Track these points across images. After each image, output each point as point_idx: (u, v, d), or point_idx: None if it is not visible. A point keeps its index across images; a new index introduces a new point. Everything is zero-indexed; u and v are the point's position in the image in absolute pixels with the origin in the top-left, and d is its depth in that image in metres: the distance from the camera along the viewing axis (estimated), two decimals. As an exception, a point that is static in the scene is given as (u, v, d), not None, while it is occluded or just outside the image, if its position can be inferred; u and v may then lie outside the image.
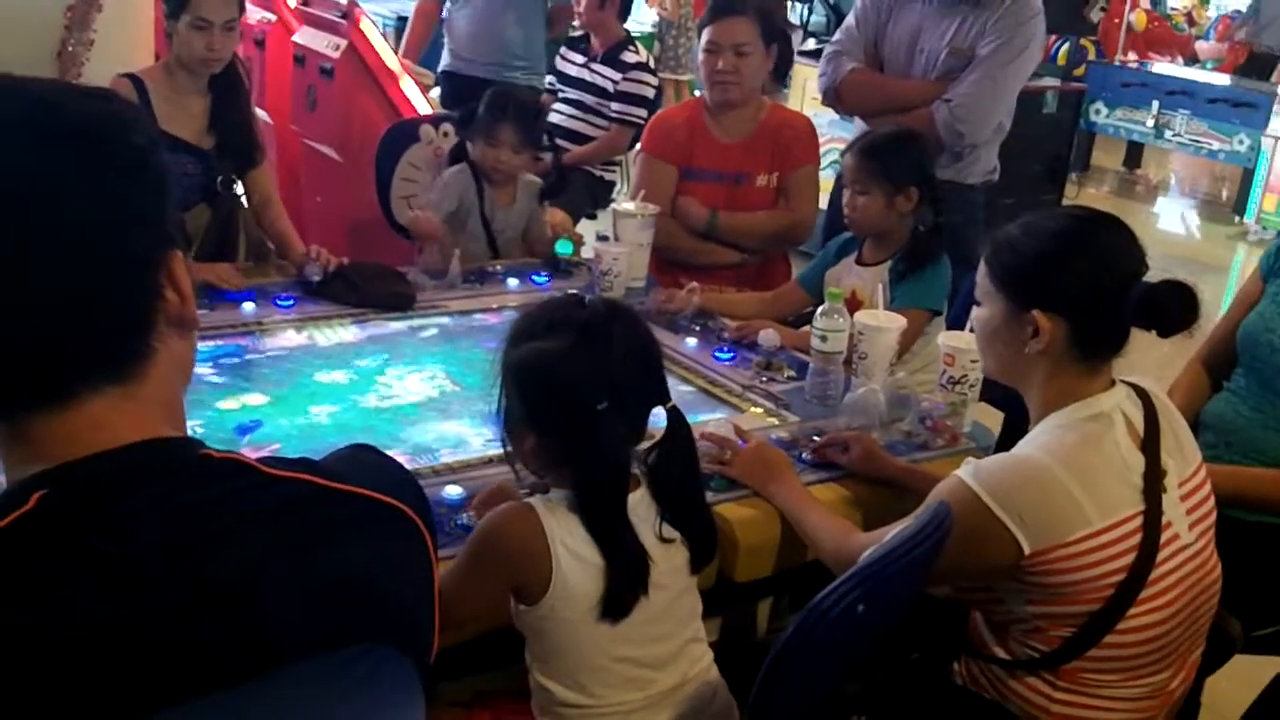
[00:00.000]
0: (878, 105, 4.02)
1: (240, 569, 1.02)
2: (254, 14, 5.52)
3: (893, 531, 1.92)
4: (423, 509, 1.20)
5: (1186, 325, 2.02)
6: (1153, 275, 2.04)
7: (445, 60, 5.59)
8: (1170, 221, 9.99)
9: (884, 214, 3.13)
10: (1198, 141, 9.70)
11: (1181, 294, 2.01)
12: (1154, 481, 1.99)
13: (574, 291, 2.18)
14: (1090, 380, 2.06)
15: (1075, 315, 2.03)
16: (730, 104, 3.72)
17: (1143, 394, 2.09)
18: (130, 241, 1.06)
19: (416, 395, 2.72)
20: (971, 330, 2.30)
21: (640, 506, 1.88)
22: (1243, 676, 2.32)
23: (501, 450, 1.96)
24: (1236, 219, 9.35)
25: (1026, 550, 1.93)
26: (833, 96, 4.14)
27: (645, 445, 1.93)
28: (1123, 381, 2.10)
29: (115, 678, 0.95)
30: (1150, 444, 2.03)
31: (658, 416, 1.92)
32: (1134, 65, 10.74)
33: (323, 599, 1.06)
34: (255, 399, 2.59)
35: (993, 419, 3.06)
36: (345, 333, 3.04)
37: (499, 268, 3.50)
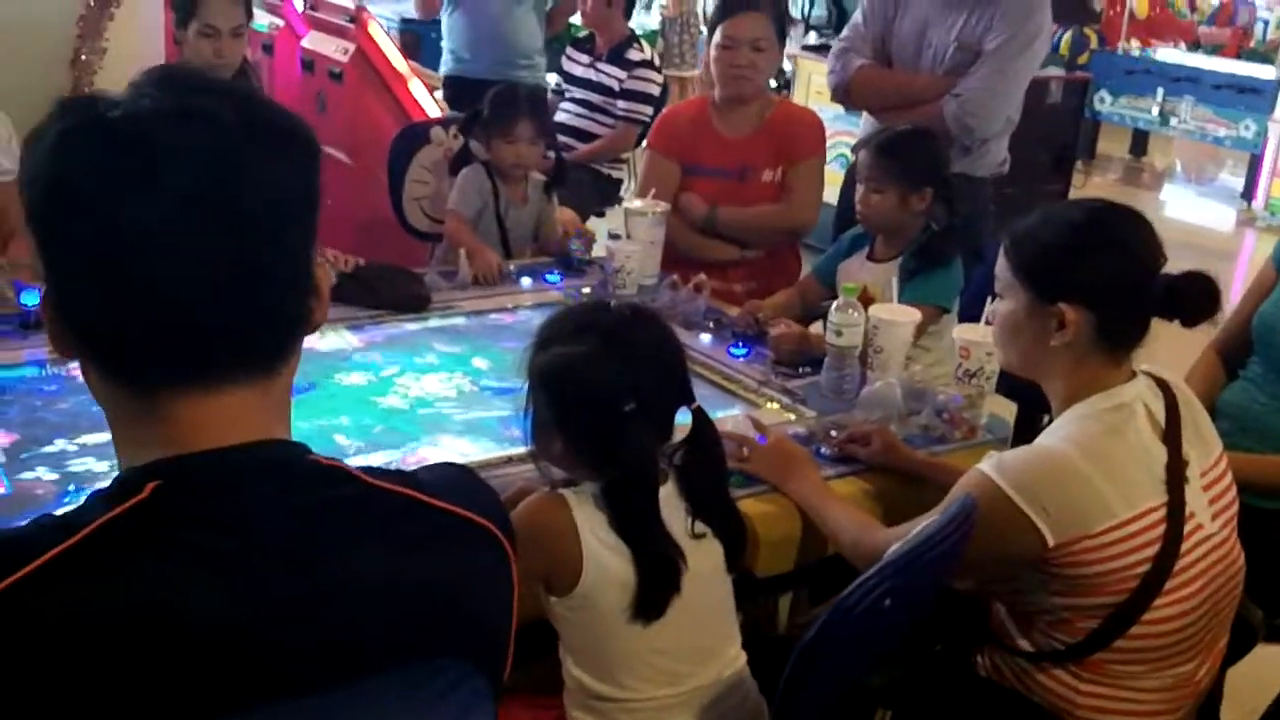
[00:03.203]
0: (888, 101, 4.02)
1: (341, 575, 1.04)
2: (262, 20, 5.54)
3: (916, 526, 1.93)
4: (509, 531, 1.21)
5: (1209, 315, 2.04)
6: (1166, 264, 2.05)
7: (447, 64, 5.59)
8: (1177, 209, 9.98)
9: (897, 212, 3.13)
10: (1203, 128, 9.69)
11: (1204, 285, 2.02)
12: (1176, 472, 2.00)
13: (598, 296, 2.19)
14: (1112, 371, 2.06)
15: (1101, 307, 2.03)
16: (744, 99, 3.72)
17: (1163, 384, 2.10)
18: (304, 232, 1.10)
19: (434, 395, 2.73)
20: (988, 323, 2.30)
21: (670, 502, 1.89)
22: (1265, 665, 2.33)
23: (525, 450, 1.97)
24: (1244, 205, 9.34)
25: (1051, 542, 1.94)
26: (842, 93, 4.13)
27: (671, 445, 1.94)
28: (1143, 372, 2.11)
29: (215, 670, 0.97)
30: (1172, 434, 2.03)
31: (683, 417, 1.94)
32: (1137, 53, 10.73)
33: (413, 610, 1.08)
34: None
35: (1007, 410, 3.07)
36: (362, 335, 3.05)
37: (512, 267, 3.50)
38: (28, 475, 2.20)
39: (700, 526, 1.90)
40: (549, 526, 1.83)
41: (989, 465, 2.00)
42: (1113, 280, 2.03)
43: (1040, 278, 2.06)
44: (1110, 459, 1.97)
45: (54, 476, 2.19)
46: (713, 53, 3.71)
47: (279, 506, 1.04)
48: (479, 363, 2.90)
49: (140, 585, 0.97)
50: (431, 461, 1.34)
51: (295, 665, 1.01)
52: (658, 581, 1.83)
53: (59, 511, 1.03)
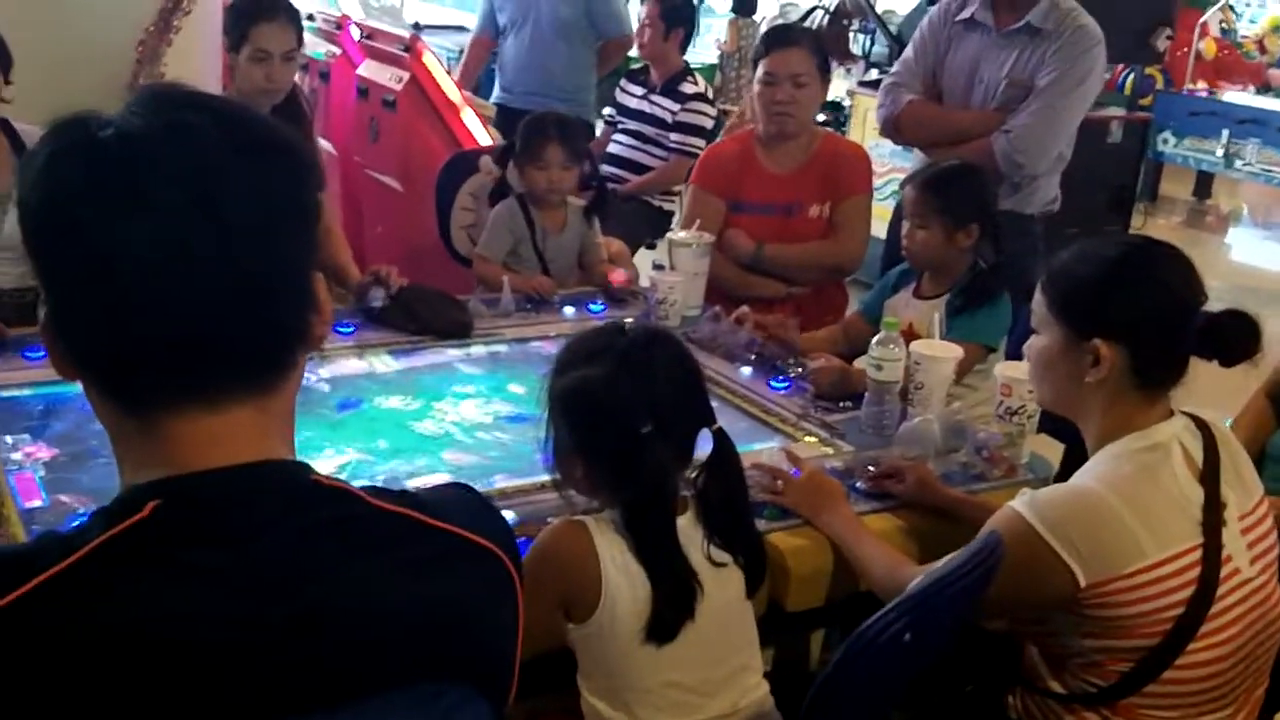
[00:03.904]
0: (936, 136, 4.00)
1: (341, 596, 1.04)
2: (320, 48, 5.61)
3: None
4: (514, 554, 1.20)
5: (1249, 355, 2.00)
6: (1226, 306, 2.01)
7: (496, 93, 5.67)
8: (1243, 252, 9.86)
9: (943, 248, 3.10)
10: (1269, 170, 9.56)
11: (1244, 323, 1.99)
12: (1213, 514, 1.96)
13: (614, 320, 2.20)
14: (1148, 410, 2.03)
15: (1136, 343, 2.00)
16: (786, 135, 3.72)
17: (1202, 425, 2.06)
18: (301, 247, 1.10)
19: (472, 422, 2.73)
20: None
21: (689, 530, 1.88)
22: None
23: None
24: (1312, 248, 9.21)
25: (1082, 582, 1.91)
26: (891, 127, 4.12)
27: (693, 471, 1.93)
28: (1182, 412, 2.07)
29: (212, 690, 0.97)
30: (1210, 476, 2.00)
31: (705, 442, 1.93)
32: (1203, 94, 10.62)
33: (414, 632, 1.07)
34: (314, 425, 2.61)
35: (1052, 450, 3.02)
36: (403, 359, 3.07)
37: (556, 297, 3.51)
38: (66, 490, 2.22)
39: (720, 555, 1.89)
40: (569, 551, 1.84)
41: (1021, 503, 1.97)
42: (1148, 317, 2.00)
43: (1075, 313, 2.04)
44: (1144, 500, 1.94)
45: (91, 492, 2.22)
46: (755, 88, 3.71)
47: (279, 526, 1.04)
48: (517, 389, 2.90)
49: (138, 604, 0.97)
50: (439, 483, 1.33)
51: (293, 686, 1.00)
52: (672, 604, 1.83)
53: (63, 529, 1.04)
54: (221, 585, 0.99)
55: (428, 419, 2.73)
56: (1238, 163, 9.72)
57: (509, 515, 2.13)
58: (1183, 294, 2.02)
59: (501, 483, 2.38)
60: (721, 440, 1.93)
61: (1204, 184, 10.93)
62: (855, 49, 9.11)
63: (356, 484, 1.13)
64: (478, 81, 6.25)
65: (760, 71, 3.68)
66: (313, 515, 1.07)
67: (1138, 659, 1.94)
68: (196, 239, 1.01)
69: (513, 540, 1.22)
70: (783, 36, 3.72)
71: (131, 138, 1.03)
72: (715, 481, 1.92)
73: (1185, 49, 11.15)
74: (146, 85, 1.13)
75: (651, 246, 5.41)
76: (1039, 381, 2.17)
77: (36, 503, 2.17)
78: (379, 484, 1.20)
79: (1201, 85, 11.19)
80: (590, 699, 1.90)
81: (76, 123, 1.05)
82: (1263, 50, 13.34)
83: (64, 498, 2.18)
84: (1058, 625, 2.01)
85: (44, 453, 2.38)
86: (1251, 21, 13.23)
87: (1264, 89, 12.36)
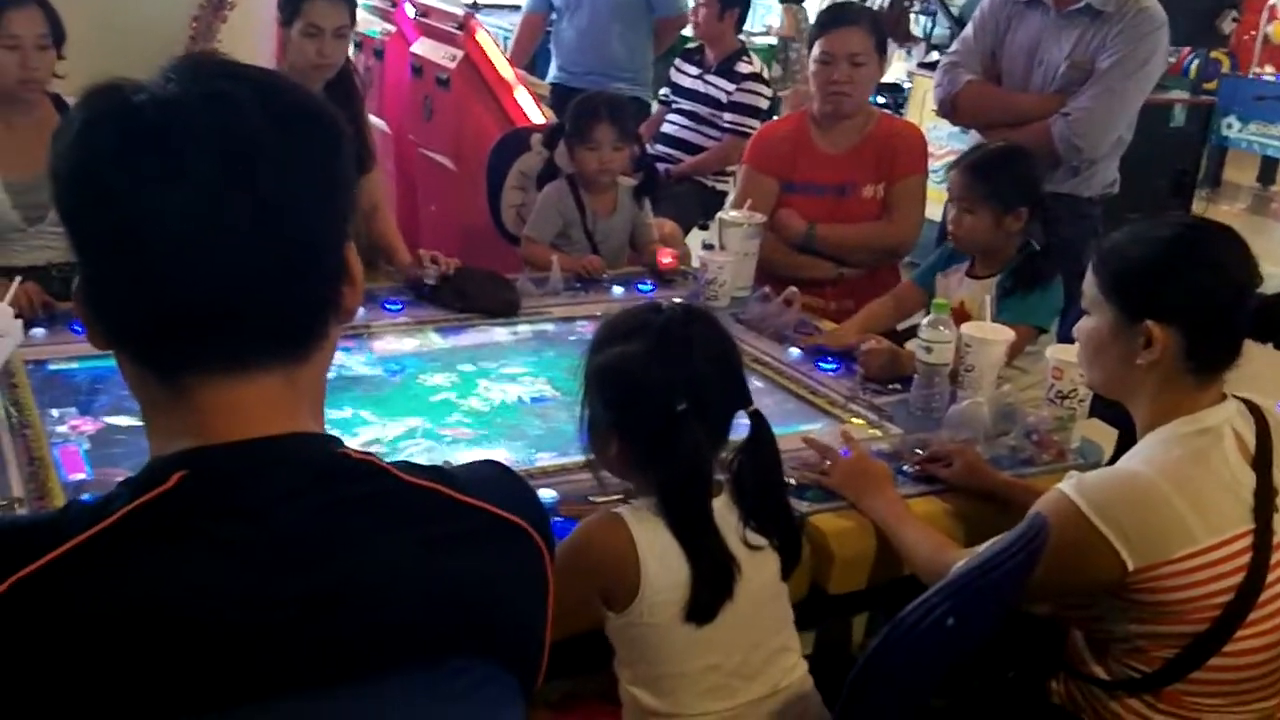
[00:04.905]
0: (994, 118, 3.96)
1: (367, 571, 1.03)
2: (375, 26, 5.62)
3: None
4: (545, 530, 1.18)
5: None
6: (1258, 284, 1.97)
7: (553, 72, 5.67)
8: (1307, 239, 9.68)
9: (991, 233, 3.05)
10: (1336, 157, 9.40)
11: None
12: (1265, 499, 1.92)
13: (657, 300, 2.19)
14: (1200, 394, 1.99)
15: (1189, 326, 1.97)
16: (843, 115, 3.68)
17: (1255, 409, 2.02)
18: (334, 217, 1.09)
19: (516, 400, 2.74)
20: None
21: (724, 513, 1.86)
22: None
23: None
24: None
25: (1130, 566, 1.88)
26: (948, 108, 4.08)
27: (728, 453, 1.92)
28: (1235, 396, 2.03)
29: (235, 662, 0.96)
30: (1262, 461, 1.96)
31: (742, 425, 1.91)
32: (1270, 78, 10.44)
33: (440, 608, 1.06)
34: (359, 401, 2.62)
35: (1105, 435, 2.98)
36: (451, 337, 3.07)
37: (605, 276, 3.50)
38: (110, 464, 2.23)
39: (755, 538, 1.87)
40: (606, 546, 1.82)
41: (1069, 486, 1.94)
42: (1202, 299, 1.96)
43: (1127, 294, 2.00)
44: (1194, 484, 1.90)
45: (135, 467, 2.22)
46: (811, 68, 3.67)
47: (305, 499, 1.03)
48: (562, 368, 2.89)
49: (160, 576, 0.97)
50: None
51: (318, 660, 0.99)
52: (711, 584, 1.81)
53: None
54: (244, 559, 0.99)
55: (472, 396, 2.73)
56: (1304, 149, 9.56)
57: (549, 494, 2.13)
58: (1237, 276, 1.98)
59: (543, 461, 2.38)
60: (758, 423, 1.91)
61: (1269, 170, 10.74)
62: (916, 30, 9.04)
63: (389, 459, 1.12)
64: (531, 60, 6.24)
65: (817, 51, 3.63)
66: (339, 489, 1.06)
67: (1184, 646, 1.91)
68: (230, 209, 1.00)
69: (545, 517, 1.21)
70: (840, 15, 3.67)
71: (167, 105, 1.02)
72: (751, 464, 1.90)
73: (1252, 32, 10.96)
74: (184, 55, 1.10)
75: (704, 227, 5.39)
76: (1089, 364, 2.14)
77: (80, 476, 2.18)
78: (414, 460, 1.19)
79: (1269, 69, 11.00)
80: (630, 688, 1.88)
81: (110, 89, 1.04)
82: (1332, 34, 13.10)
83: (108, 471, 2.18)
84: (1103, 610, 1.98)
85: (90, 426, 2.40)
86: (1321, 4, 12.97)
87: (1334, 73, 12.14)
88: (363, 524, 1.05)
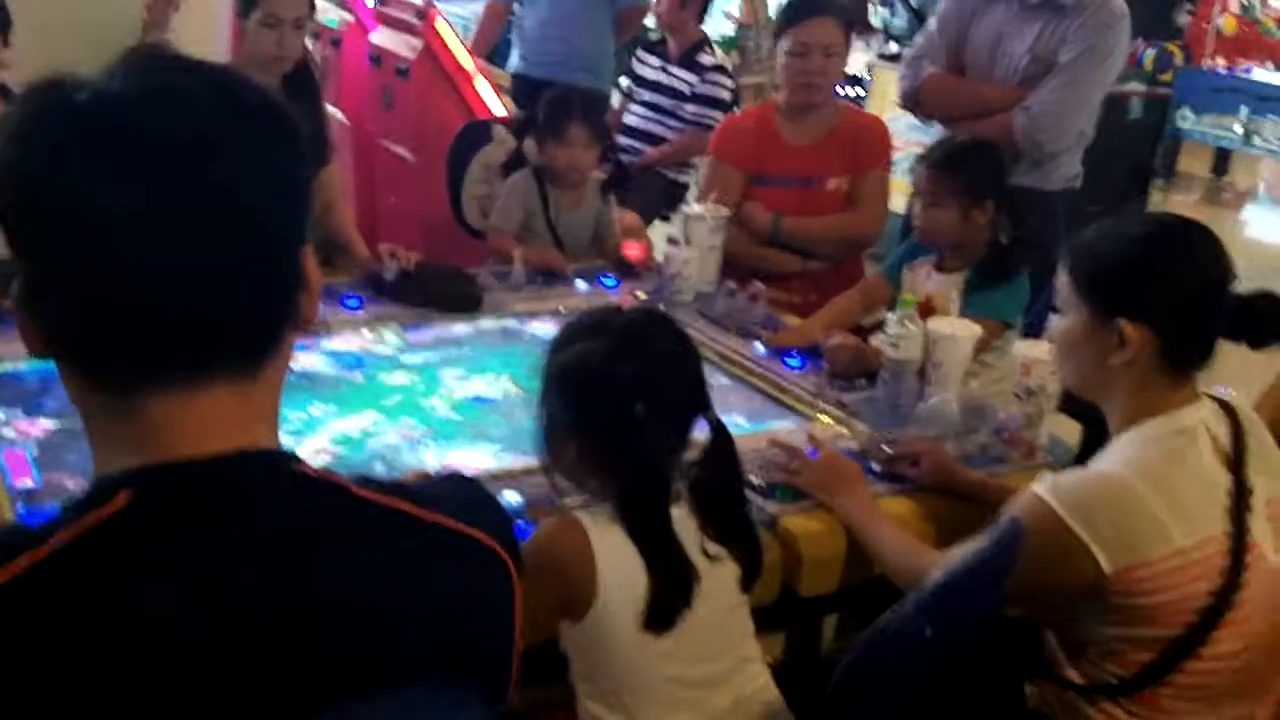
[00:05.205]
0: (957, 110, 3.93)
1: (326, 592, 0.98)
2: (333, 15, 5.54)
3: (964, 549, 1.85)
4: (511, 546, 1.14)
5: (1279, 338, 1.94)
6: (1242, 284, 1.96)
7: (514, 62, 5.59)
8: (1260, 229, 9.76)
9: (958, 227, 3.03)
10: (1288, 148, 9.47)
11: (1275, 305, 1.93)
12: (1240, 500, 1.91)
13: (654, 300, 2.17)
14: (1174, 394, 1.98)
15: (1164, 325, 1.95)
16: (814, 105, 3.64)
17: (1229, 409, 2.01)
18: (290, 221, 1.03)
19: (479, 397, 2.69)
20: (1051, 340, 2.22)
21: (683, 521, 1.84)
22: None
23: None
24: (1330, 227, 9.12)
25: (1107, 569, 1.86)
26: (912, 100, 4.06)
27: (687, 460, 1.89)
28: (1208, 396, 2.02)
29: (194, 692, 0.92)
30: (1237, 461, 1.95)
31: (702, 430, 1.89)
32: (1222, 70, 10.51)
33: (404, 629, 1.02)
34: (318, 399, 2.57)
35: (1070, 431, 2.97)
36: (411, 334, 3.02)
37: (568, 270, 3.45)
38: (59, 469, 2.16)
39: (714, 548, 1.84)
40: (565, 549, 1.79)
41: (1043, 487, 1.92)
42: (1176, 297, 1.95)
43: (1100, 293, 1.98)
44: (1170, 485, 1.89)
45: (86, 472, 2.16)
46: (781, 59, 3.63)
47: (262, 519, 0.98)
48: (525, 365, 2.84)
49: (112, 602, 0.91)
50: (454, 468, 1.28)
51: (279, 687, 0.95)
52: (669, 591, 1.78)
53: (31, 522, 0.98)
54: (200, 582, 0.93)
55: (434, 395, 2.68)
56: (1256, 140, 9.64)
57: (515, 497, 2.09)
58: (1211, 274, 1.97)
59: (509, 463, 2.33)
60: (718, 431, 1.89)
61: (1222, 161, 10.82)
62: (875, 22, 9.04)
63: (347, 472, 1.07)
64: (491, 50, 6.18)
65: (788, 43, 3.58)
66: (296, 507, 1.01)
67: (1160, 649, 1.90)
68: (179, 211, 0.95)
69: (511, 534, 1.17)
70: (812, 6, 3.63)
71: (110, 101, 0.96)
72: (710, 472, 1.88)
73: (1205, 24, 11.03)
74: (131, 49, 1.05)
75: (666, 219, 5.35)
76: (1063, 363, 2.12)
77: (28, 482, 2.10)
78: (380, 464, 1.14)
79: (1221, 61, 11.08)
80: (588, 704, 1.84)
81: (51, 85, 0.98)
82: (1283, 26, 13.20)
83: (57, 477, 2.12)
84: (1079, 613, 1.96)
85: (37, 430, 2.33)
86: (1273, -2, 13.08)
87: (1284, 66, 12.24)
88: (320, 544, 1.00)
